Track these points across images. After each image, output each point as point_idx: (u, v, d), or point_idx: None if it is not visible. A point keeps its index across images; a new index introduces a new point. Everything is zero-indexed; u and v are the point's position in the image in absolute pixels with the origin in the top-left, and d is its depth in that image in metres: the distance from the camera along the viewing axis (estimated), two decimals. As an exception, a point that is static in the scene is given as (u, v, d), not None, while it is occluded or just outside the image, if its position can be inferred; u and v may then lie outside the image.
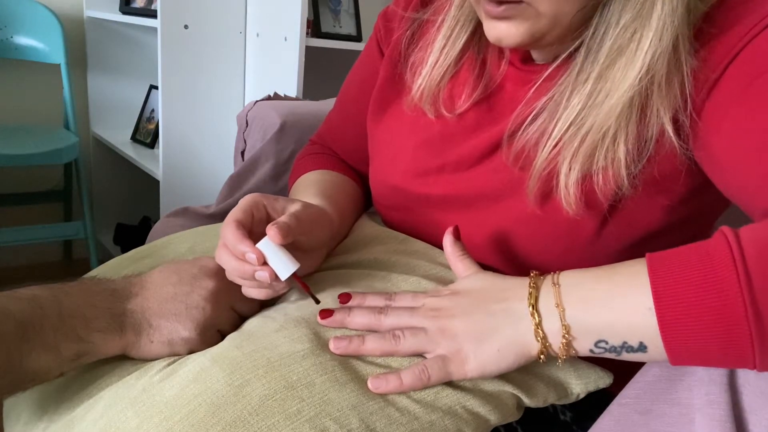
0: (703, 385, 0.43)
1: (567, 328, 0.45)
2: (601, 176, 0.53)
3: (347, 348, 0.50)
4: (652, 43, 0.49)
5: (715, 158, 0.50)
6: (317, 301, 0.55)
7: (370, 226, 0.72)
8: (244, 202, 0.56)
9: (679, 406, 0.44)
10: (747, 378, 0.42)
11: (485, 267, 0.56)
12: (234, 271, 0.53)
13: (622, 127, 0.51)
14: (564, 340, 0.46)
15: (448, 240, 0.58)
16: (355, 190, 0.78)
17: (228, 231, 0.53)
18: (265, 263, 0.52)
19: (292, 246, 0.54)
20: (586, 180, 0.54)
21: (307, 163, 0.80)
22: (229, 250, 0.53)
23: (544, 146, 0.55)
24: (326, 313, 0.53)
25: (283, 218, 0.54)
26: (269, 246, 0.52)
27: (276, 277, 0.52)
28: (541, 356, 0.47)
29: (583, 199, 0.54)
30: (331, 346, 0.50)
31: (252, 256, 0.51)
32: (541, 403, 0.53)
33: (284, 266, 0.52)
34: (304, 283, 0.55)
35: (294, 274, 0.53)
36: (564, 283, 0.47)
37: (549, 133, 0.55)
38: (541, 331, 0.47)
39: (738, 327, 0.39)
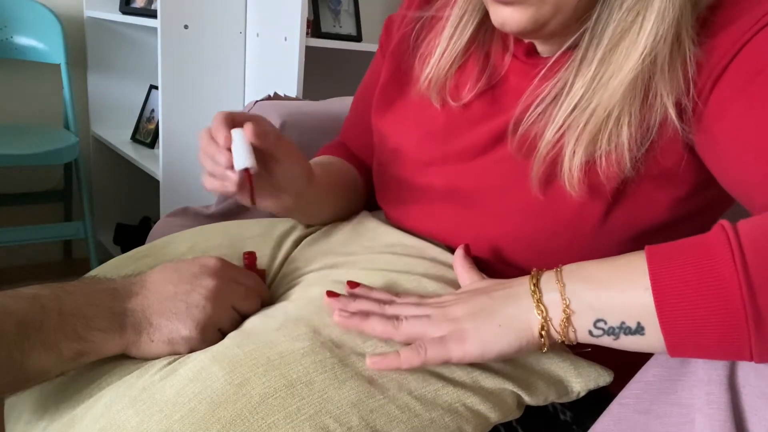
0: (703, 386, 0.43)
1: (567, 302, 0.46)
2: (604, 160, 0.54)
3: (348, 320, 0.51)
4: (654, 24, 0.49)
5: (716, 149, 0.50)
6: (254, 203, 0.59)
7: (371, 222, 0.72)
8: (256, 117, 0.59)
9: (679, 407, 0.44)
10: (747, 378, 0.42)
11: (488, 265, 0.56)
12: (203, 149, 0.58)
13: (626, 110, 0.52)
14: (564, 315, 0.46)
15: (458, 253, 0.59)
16: (353, 175, 0.81)
17: (218, 114, 0.58)
18: (230, 150, 0.55)
19: (267, 175, 0.60)
20: (589, 164, 0.55)
21: (320, 152, 0.86)
22: (209, 132, 0.57)
23: (548, 129, 0.56)
24: (333, 294, 0.55)
25: (266, 126, 0.58)
26: (240, 137, 0.55)
27: (231, 167, 0.55)
28: (542, 332, 0.47)
29: (586, 182, 0.55)
30: (335, 316, 0.52)
31: (221, 137, 0.55)
32: (541, 401, 0.53)
33: (242, 159, 0.55)
34: (253, 184, 0.58)
35: (247, 172, 0.56)
36: (565, 268, 0.49)
37: (553, 118, 0.55)
38: (542, 306, 0.47)
39: (734, 313, 0.39)
